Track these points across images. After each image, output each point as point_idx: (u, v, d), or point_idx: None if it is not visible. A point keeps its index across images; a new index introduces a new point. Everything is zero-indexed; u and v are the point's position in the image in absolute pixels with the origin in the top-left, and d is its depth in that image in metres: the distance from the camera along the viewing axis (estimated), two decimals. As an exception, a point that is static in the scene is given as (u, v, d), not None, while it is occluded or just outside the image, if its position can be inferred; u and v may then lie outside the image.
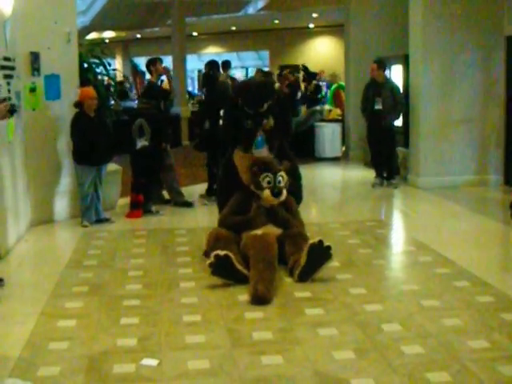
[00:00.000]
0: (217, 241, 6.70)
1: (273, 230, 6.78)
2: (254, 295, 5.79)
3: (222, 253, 6.14)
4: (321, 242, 6.27)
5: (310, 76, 19.82)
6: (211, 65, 11.07)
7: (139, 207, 9.51)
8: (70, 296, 6.13)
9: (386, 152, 11.63)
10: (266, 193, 6.84)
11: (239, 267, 6.17)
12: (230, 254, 6.16)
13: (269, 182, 6.85)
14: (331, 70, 22.37)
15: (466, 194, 10.78)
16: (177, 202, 10.27)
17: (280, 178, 6.92)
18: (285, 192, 6.94)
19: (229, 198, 7.23)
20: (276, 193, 6.85)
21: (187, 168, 13.66)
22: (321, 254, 6.29)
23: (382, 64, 11.67)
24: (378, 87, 11.46)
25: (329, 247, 6.29)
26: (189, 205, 10.20)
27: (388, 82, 11.66)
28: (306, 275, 6.31)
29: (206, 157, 10.90)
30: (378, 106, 11.37)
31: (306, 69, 20.10)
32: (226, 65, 13.17)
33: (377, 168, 11.81)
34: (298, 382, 4.33)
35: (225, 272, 6.18)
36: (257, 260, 6.15)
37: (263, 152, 7.20)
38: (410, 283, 6.34)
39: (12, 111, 6.85)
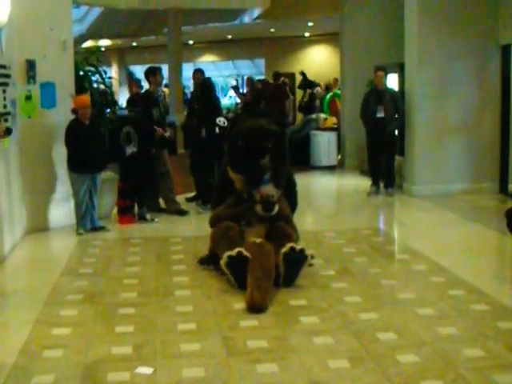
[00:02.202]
0: (222, 240, 6.69)
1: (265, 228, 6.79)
2: (250, 303, 5.78)
3: (233, 252, 6.18)
4: (292, 248, 6.31)
5: (307, 84, 19.81)
6: (203, 73, 11.10)
7: (128, 212, 9.54)
8: (65, 304, 6.12)
9: (386, 160, 11.63)
10: (258, 207, 6.84)
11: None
12: (242, 250, 6.20)
13: (261, 197, 6.85)
14: (327, 79, 22.40)
15: (461, 203, 10.78)
16: (170, 210, 10.27)
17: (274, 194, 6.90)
18: (277, 207, 6.90)
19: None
20: (268, 209, 6.84)
21: (182, 176, 13.64)
22: (296, 259, 6.33)
23: (386, 71, 11.70)
24: (379, 95, 11.46)
25: (302, 250, 6.34)
26: (182, 213, 10.19)
27: (388, 89, 11.65)
28: (289, 282, 6.39)
29: (189, 164, 10.95)
30: (381, 114, 11.35)
31: (304, 75, 20.09)
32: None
33: (373, 176, 11.79)
34: (293, 391, 4.33)
35: (239, 271, 6.20)
36: (254, 267, 6.14)
37: (269, 187, 7.02)
38: (405, 291, 6.33)
39: (8, 132, 7.06)
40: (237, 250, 6.21)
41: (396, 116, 11.40)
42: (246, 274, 6.18)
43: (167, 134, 10.19)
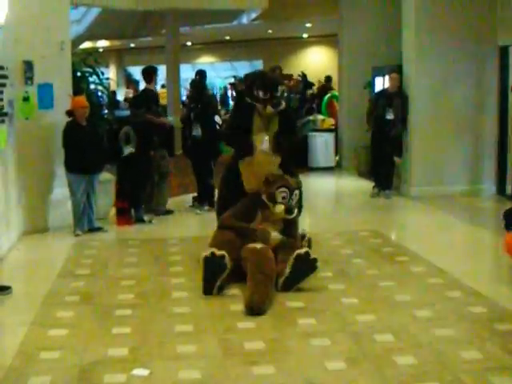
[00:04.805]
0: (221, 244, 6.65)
1: (273, 236, 6.76)
2: (249, 305, 5.77)
3: (218, 252, 6.16)
4: (307, 253, 6.28)
5: (308, 85, 19.79)
6: (201, 74, 11.09)
7: (126, 213, 9.54)
8: (62, 305, 6.11)
9: (387, 161, 11.61)
10: (280, 208, 6.79)
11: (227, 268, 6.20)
12: (226, 255, 6.18)
13: (283, 198, 6.81)
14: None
15: (458, 204, 10.78)
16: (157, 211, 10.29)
17: (294, 196, 6.89)
18: (296, 211, 6.92)
19: (229, 206, 7.18)
20: (289, 210, 6.83)
21: (180, 177, 13.62)
22: (306, 265, 6.29)
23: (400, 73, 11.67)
24: (389, 97, 11.41)
25: (315, 259, 6.29)
26: (166, 213, 10.32)
27: (400, 91, 11.57)
28: (290, 285, 6.32)
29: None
30: (389, 116, 11.31)
31: (304, 76, 20.07)
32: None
33: (377, 178, 11.78)
34: (290, 393, 4.32)
35: (211, 274, 6.18)
36: (254, 272, 6.13)
37: (264, 146, 7.17)
38: (402, 293, 6.32)
39: None
40: (222, 252, 6.19)
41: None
42: (216, 281, 6.19)
43: (168, 121, 10.33)
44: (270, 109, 7.12)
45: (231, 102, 24.29)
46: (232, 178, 7.31)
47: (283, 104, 7.29)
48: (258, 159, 7.17)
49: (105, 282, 6.84)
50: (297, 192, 6.95)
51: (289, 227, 7.01)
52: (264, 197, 6.90)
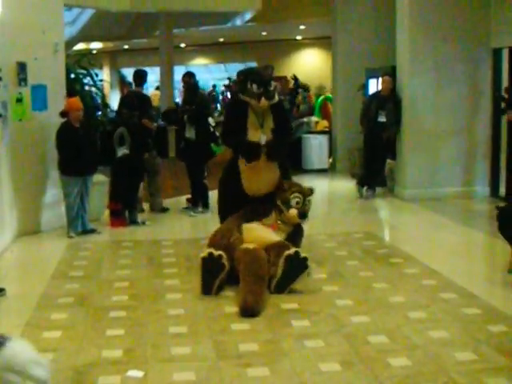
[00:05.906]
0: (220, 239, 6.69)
1: (270, 236, 6.77)
2: (244, 306, 5.77)
3: (216, 252, 6.20)
4: (297, 252, 6.28)
5: (299, 88, 19.78)
6: (190, 75, 11.10)
7: (120, 215, 9.53)
8: (56, 307, 6.09)
9: (380, 162, 11.68)
10: (293, 212, 6.95)
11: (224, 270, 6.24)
12: (223, 254, 6.22)
13: (297, 203, 6.96)
14: (318, 82, 22.46)
15: (452, 206, 10.79)
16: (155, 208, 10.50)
17: (307, 202, 7.06)
18: (308, 216, 7.09)
19: (230, 207, 7.23)
20: (302, 214, 6.99)
21: (173, 179, 13.63)
22: (297, 265, 6.29)
23: (394, 76, 11.67)
24: (382, 100, 11.44)
25: (305, 258, 6.30)
26: (162, 210, 10.54)
27: (394, 95, 11.58)
28: (282, 287, 6.32)
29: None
30: (382, 119, 11.35)
31: (296, 79, 20.07)
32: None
33: (370, 179, 11.78)
34: (285, 394, 4.32)
35: (209, 274, 6.22)
36: (247, 273, 6.12)
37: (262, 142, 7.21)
38: (396, 295, 6.33)
39: None
40: (219, 252, 6.22)
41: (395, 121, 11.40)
42: (214, 280, 6.23)
43: (153, 126, 10.34)
44: (264, 101, 7.14)
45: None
46: (232, 179, 7.34)
47: (276, 97, 7.33)
48: (260, 166, 7.20)
49: (98, 284, 6.83)
50: (310, 198, 7.11)
51: (295, 234, 7.11)
52: (279, 202, 7.03)
